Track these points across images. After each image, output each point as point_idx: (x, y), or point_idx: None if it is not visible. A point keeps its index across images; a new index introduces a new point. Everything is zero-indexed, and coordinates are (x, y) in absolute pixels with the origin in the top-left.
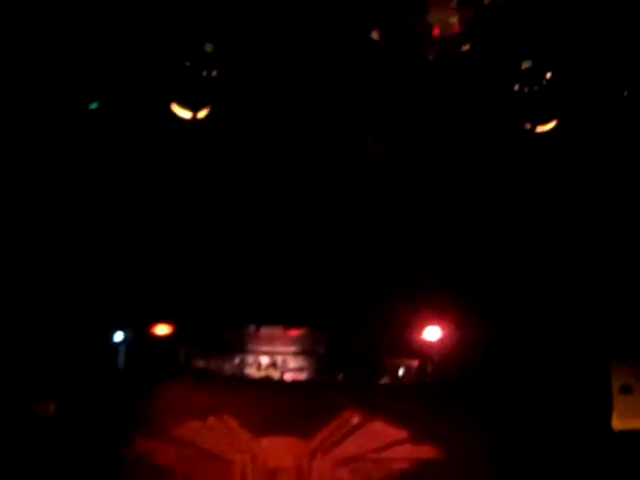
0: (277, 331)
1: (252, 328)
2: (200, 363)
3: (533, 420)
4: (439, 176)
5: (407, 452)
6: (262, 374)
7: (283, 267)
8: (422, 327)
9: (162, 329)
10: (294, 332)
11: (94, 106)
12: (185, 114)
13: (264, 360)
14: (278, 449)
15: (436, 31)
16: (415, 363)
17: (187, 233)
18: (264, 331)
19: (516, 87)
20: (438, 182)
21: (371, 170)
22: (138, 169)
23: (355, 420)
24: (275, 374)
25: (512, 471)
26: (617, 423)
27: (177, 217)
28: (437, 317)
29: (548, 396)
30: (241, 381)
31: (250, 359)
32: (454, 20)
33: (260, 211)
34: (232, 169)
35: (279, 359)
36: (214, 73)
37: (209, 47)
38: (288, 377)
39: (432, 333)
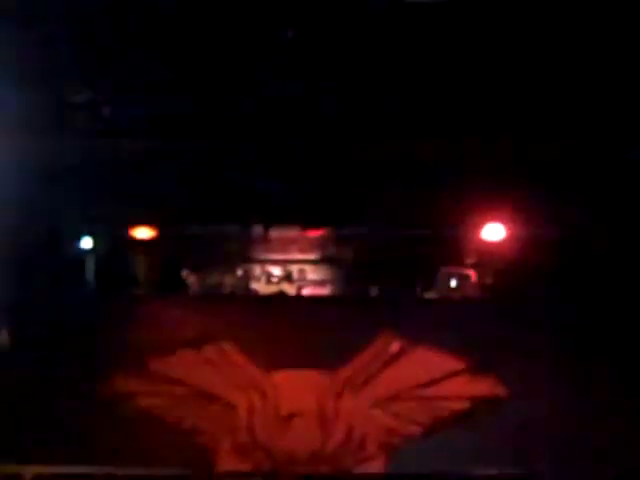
0: (292, 234)
1: (259, 230)
2: (192, 277)
3: (619, 350)
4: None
5: (461, 388)
6: (273, 289)
7: (298, 151)
8: (480, 225)
9: (142, 232)
10: (313, 234)
11: None
12: None
13: (275, 271)
14: (295, 387)
15: None
16: (471, 272)
17: (171, 109)
18: (275, 234)
19: None
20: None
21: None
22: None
23: (394, 347)
24: (290, 289)
25: (594, 413)
26: None
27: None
28: (500, 212)
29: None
30: (246, 299)
31: (257, 270)
32: None
33: (261, 79)
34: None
35: (295, 269)
36: None
37: None
38: (307, 292)
39: (493, 233)
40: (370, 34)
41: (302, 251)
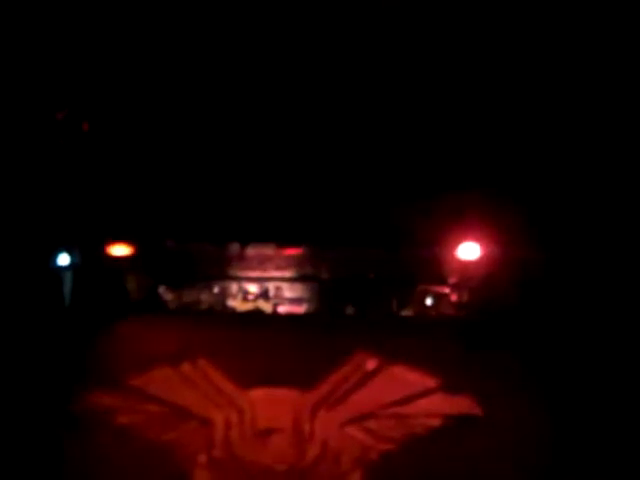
0: (268, 251)
1: (235, 247)
2: (169, 293)
3: (596, 368)
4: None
5: (437, 406)
6: (249, 306)
7: (275, 168)
8: (456, 243)
9: (119, 249)
10: (290, 252)
11: None
12: None
13: (252, 288)
14: (271, 404)
15: None
16: (447, 291)
17: (152, 127)
18: (251, 251)
19: None
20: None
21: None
22: None
23: (370, 365)
24: (266, 306)
25: (572, 430)
26: None
27: (138, 109)
28: (476, 230)
29: (615, 337)
30: (222, 316)
31: (234, 287)
32: None
33: (245, 88)
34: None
35: (271, 287)
36: None
37: None
38: (283, 310)
39: (469, 252)
40: None
41: (279, 269)
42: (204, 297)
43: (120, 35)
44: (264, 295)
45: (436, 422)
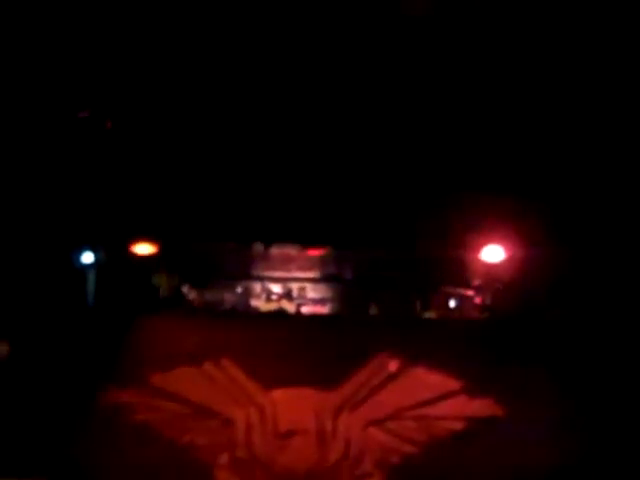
0: (292, 251)
1: (259, 247)
2: (192, 293)
3: (620, 370)
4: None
5: (458, 408)
6: (273, 306)
7: (300, 168)
8: (480, 246)
9: (143, 248)
10: (314, 252)
11: None
12: None
13: (275, 288)
14: (293, 404)
15: None
16: (470, 293)
17: (177, 125)
18: (275, 251)
19: None
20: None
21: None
22: None
23: (392, 366)
24: (290, 306)
25: (591, 434)
26: None
27: (162, 107)
28: (499, 233)
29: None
30: (245, 316)
31: (257, 287)
32: None
33: (271, 96)
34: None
35: (294, 287)
36: None
37: None
38: (306, 310)
39: (492, 254)
40: None
41: (302, 269)
42: (228, 297)
43: (140, 36)
44: (287, 295)
45: (458, 425)
